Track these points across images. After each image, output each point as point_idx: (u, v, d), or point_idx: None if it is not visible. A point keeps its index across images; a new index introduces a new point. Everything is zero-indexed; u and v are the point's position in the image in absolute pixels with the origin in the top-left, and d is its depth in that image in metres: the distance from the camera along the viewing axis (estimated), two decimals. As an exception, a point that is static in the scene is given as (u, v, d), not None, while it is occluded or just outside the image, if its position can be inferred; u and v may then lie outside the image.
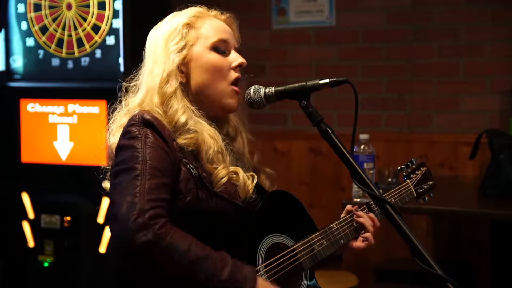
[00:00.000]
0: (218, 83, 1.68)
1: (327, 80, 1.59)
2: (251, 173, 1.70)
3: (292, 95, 1.63)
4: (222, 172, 1.60)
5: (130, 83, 1.74)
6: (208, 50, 1.68)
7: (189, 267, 1.42)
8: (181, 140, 1.59)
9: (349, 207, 1.82)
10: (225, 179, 1.60)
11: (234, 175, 1.63)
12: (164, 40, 1.67)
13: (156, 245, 1.38)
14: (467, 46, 3.75)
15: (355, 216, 1.78)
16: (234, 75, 1.71)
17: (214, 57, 1.68)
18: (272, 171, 1.83)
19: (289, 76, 4.07)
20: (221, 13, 1.76)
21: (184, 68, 1.67)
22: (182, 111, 1.62)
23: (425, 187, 2.04)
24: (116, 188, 1.47)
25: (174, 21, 1.69)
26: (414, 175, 2.03)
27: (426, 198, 2.05)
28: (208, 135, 1.62)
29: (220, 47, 1.69)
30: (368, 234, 1.77)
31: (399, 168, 2.05)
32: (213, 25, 1.71)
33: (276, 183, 1.82)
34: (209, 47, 1.68)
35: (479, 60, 3.73)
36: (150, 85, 1.64)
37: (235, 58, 1.71)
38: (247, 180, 1.64)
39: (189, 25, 1.68)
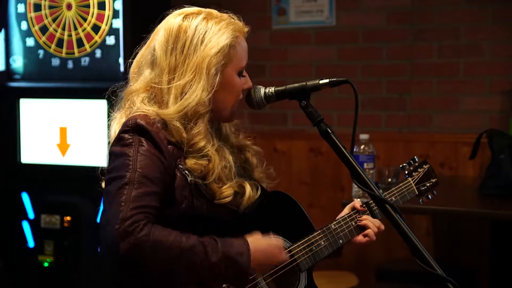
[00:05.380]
0: (232, 103, 1.68)
1: (327, 80, 1.60)
2: (255, 182, 1.70)
3: (292, 95, 1.64)
4: (227, 191, 1.59)
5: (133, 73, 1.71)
6: (236, 73, 1.67)
7: (178, 260, 1.42)
8: (190, 163, 1.56)
9: (357, 205, 1.81)
10: (228, 199, 1.59)
11: (242, 189, 1.63)
12: (205, 54, 1.60)
13: (141, 248, 1.38)
14: (467, 46, 3.74)
15: (358, 220, 1.78)
16: (241, 95, 1.70)
17: (239, 82, 1.68)
18: (259, 148, 1.82)
19: (289, 76, 4.07)
20: (244, 25, 1.72)
21: None
22: (203, 135, 1.59)
23: (428, 184, 2.01)
24: (106, 196, 1.47)
25: (217, 35, 1.62)
26: (416, 173, 2.00)
27: (429, 196, 2.02)
28: (218, 156, 1.60)
29: (242, 71, 1.69)
30: (369, 231, 1.77)
31: (400, 166, 2.02)
32: (244, 48, 1.68)
33: (264, 161, 1.80)
34: (237, 71, 1.67)
35: (479, 60, 3.73)
36: (187, 102, 1.58)
37: (246, 81, 1.71)
38: (252, 194, 1.64)
39: (231, 45, 1.63)
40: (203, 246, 1.44)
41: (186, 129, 1.58)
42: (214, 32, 1.62)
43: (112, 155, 1.54)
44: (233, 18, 1.71)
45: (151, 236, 1.39)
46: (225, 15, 1.69)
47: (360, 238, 1.78)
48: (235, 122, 1.80)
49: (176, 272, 1.43)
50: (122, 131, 1.54)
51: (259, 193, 1.67)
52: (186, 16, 1.66)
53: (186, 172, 1.56)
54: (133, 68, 1.71)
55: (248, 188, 1.63)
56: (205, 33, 1.62)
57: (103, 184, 1.69)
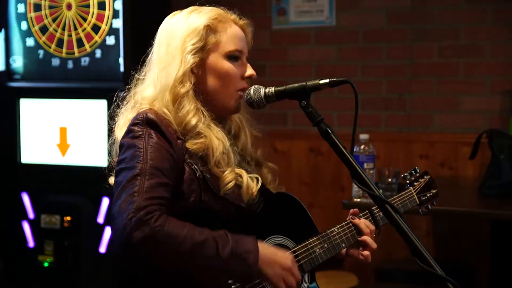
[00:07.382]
0: (227, 89, 1.70)
1: (327, 80, 1.60)
2: (256, 175, 1.70)
3: (292, 95, 1.64)
4: (229, 176, 1.61)
5: (140, 75, 1.75)
6: (223, 57, 1.69)
7: (190, 253, 1.43)
8: (191, 146, 1.59)
9: (353, 210, 1.83)
10: (232, 184, 1.61)
11: (239, 178, 1.64)
12: (181, 37, 1.66)
13: (155, 238, 1.40)
14: (467, 46, 3.75)
15: (350, 218, 1.78)
16: (242, 84, 1.72)
17: (228, 65, 1.69)
18: (275, 166, 1.84)
19: (289, 76, 4.07)
20: (240, 18, 1.76)
21: (196, 69, 1.67)
22: (193, 113, 1.62)
23: (428, 195, 2.03)
24: (117, 187, 1.49)
25: (195, 19, 1.68)
26: (418, 183, 2.03)
27: (429, 206, 2.05)
28: (216, 137, 1.63)
29: (234, 55, 1.70)
30: (366, 237, 1.77)
31: (402, 176, 2.05)
32: (232, 33, 1.71)
33: (278, 178, 1.83)
34: (225, 55, 1.69)
35: (479, 60, 3.73)
36: (164, 82, 1.64)
37: (247, 68, 1.73)
38: (250, 183, 1.65)
39: (209, 28, 1.67)
40: (214, 241, 1.46)
41: (176, 113, 1.62)
42: (194, 19, 1.68)
43: (122, 146, 1.57)
44: (226, 12, 1.74)
45: (165, 227, 1.41)
46: (214, 8, 1.74)
47: (361, 252, 1.77)
48: (255, 135, 1.83)
49: (185, 265, 1.44)
50: (132, 123, 1.58)
51: (259, 185, 1.68)
52: (175, 13, 1.73)
53: (195, 167, 1.58)
54: (138, 72, 1.77)
55: (245, 177, 1.65)
56: (185, 22, 1.68)
57: (110, 180, 1.70)
